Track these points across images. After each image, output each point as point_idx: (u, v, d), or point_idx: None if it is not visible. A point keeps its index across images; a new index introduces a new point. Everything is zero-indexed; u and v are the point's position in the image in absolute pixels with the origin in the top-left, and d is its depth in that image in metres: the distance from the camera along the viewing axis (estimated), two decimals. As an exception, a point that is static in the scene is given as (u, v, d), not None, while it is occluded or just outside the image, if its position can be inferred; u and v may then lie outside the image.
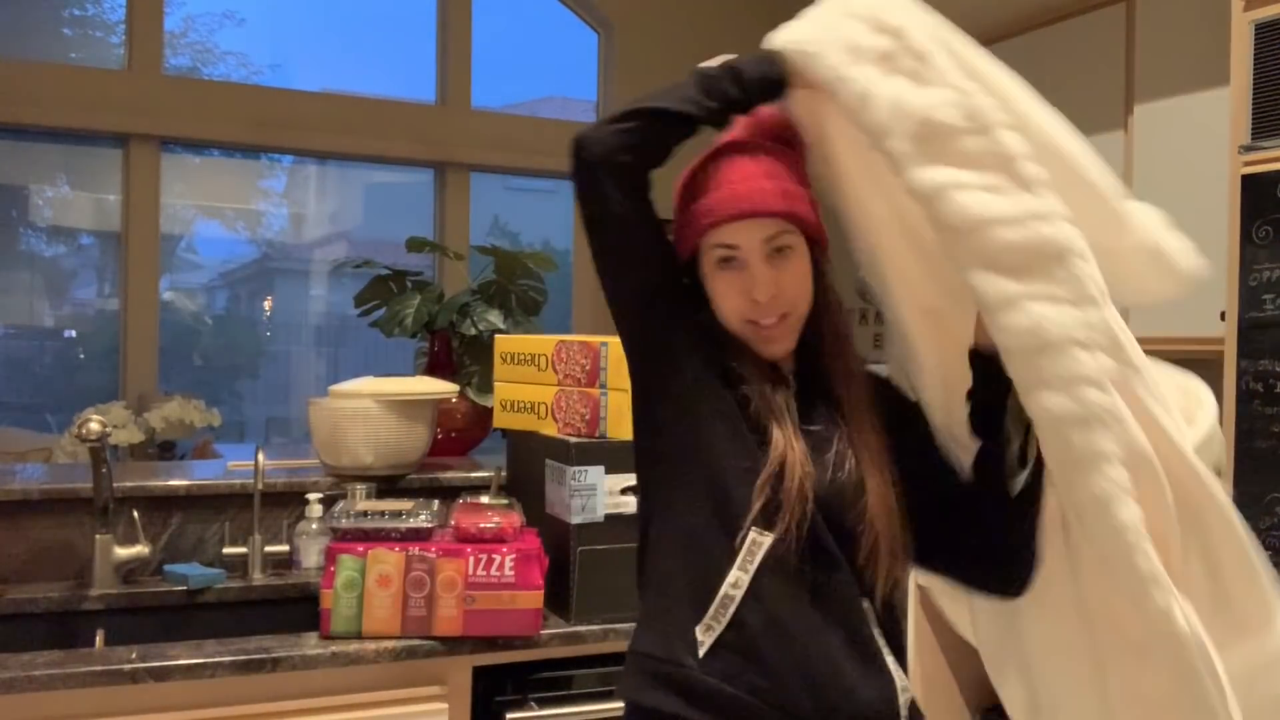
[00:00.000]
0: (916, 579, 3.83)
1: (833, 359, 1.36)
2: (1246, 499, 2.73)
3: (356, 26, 6.22)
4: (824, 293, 1.36)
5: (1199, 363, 3.31)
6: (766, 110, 1.36)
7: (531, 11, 6.41)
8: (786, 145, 1.37)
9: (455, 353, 2.94)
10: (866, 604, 1.28)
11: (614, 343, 2.11)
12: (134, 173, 5.48)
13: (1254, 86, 2.76)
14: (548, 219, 6.46)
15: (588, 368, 2.18)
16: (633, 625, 1.36)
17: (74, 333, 5.83)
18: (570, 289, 6.04)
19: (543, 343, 2.30)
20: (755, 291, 1.28)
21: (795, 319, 1.33)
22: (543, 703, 2.02)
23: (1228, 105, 2.84)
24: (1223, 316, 2.83)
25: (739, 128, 1.36)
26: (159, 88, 5.51)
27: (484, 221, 6.21)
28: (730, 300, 1.31)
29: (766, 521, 1.24)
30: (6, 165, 5.50)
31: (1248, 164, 2.76)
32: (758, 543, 1.24)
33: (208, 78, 5.93)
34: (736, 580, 1.23)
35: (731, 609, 1.23)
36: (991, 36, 3.87)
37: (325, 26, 6.21)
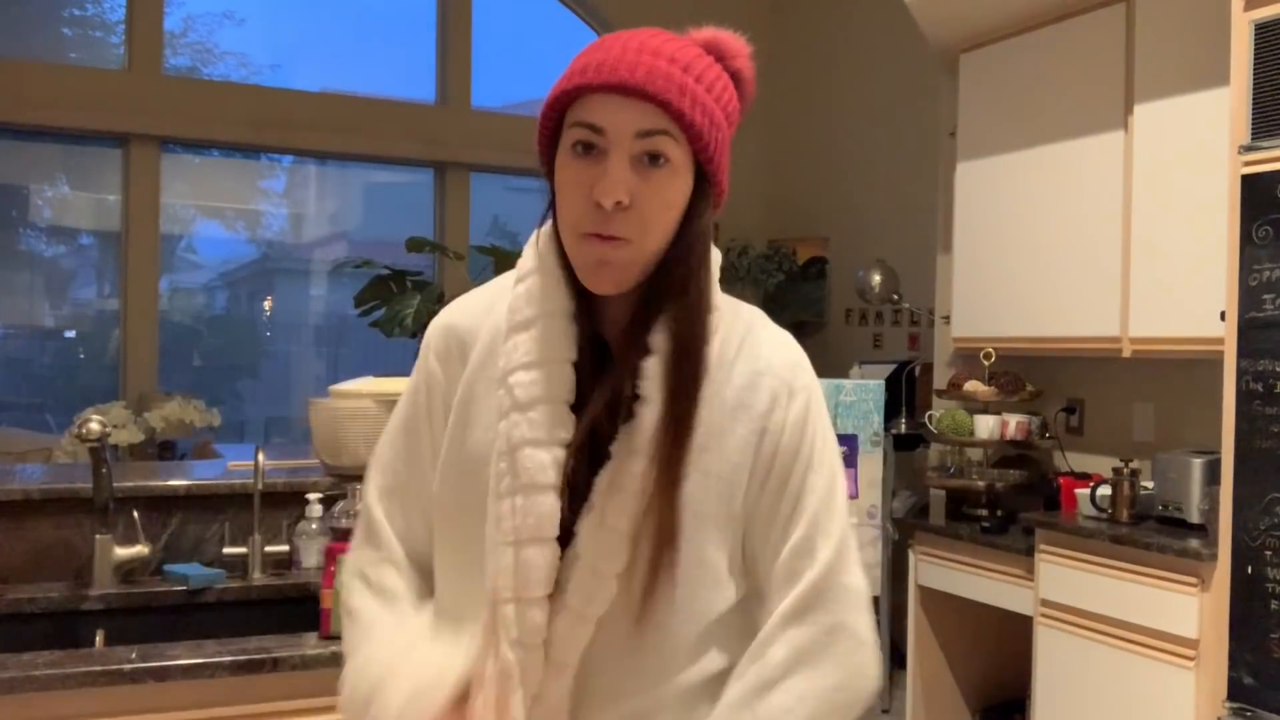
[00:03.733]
0: (918, 579, 3.80)
1: (681, 324, 1.05)
2: (1246, 499, 2.73)
3: (356, 26, 6.22)
4: (690, 239, 1.05)
5: (1199, 363, 3.32)
6: (716, 30, 1.09)
7: (531, 11, 6.41)
8: (732, 75, 1.09)
9: (455, 353, 2.93)
10: None
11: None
12: (134, 173, 5.48)
13: (1254, 86, 2.76)
14: (547, 219, 6.45)
15: (587, 368, 2.17)
16: None
17: (74, 333, 5.83)
18: (570, 289, 6.03)
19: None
20: (601, 190, 0.98)
21: (639, 251, 1.02)
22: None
23: (1228, 105, 2.84)
24: (1223, 316, 2.83)
25: (700, 31, 1.10)
26: (159, 88, 5.51)
27: (484, 221, 6.21)
28: (573, 199, 1.01)
29: None
30: (6, 165, 5.50)
31: (1248, 164, 2.76)
32: None
33: (208, 78, 5.93)
34: None
35: None
36: (992, 36, 3.87)
37: (325, 26, 6.21)
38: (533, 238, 1.13)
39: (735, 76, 1.09)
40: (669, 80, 0.99)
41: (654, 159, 1.00)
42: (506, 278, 1.16)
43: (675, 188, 1.02)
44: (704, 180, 1.05)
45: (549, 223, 1.09)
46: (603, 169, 0.99)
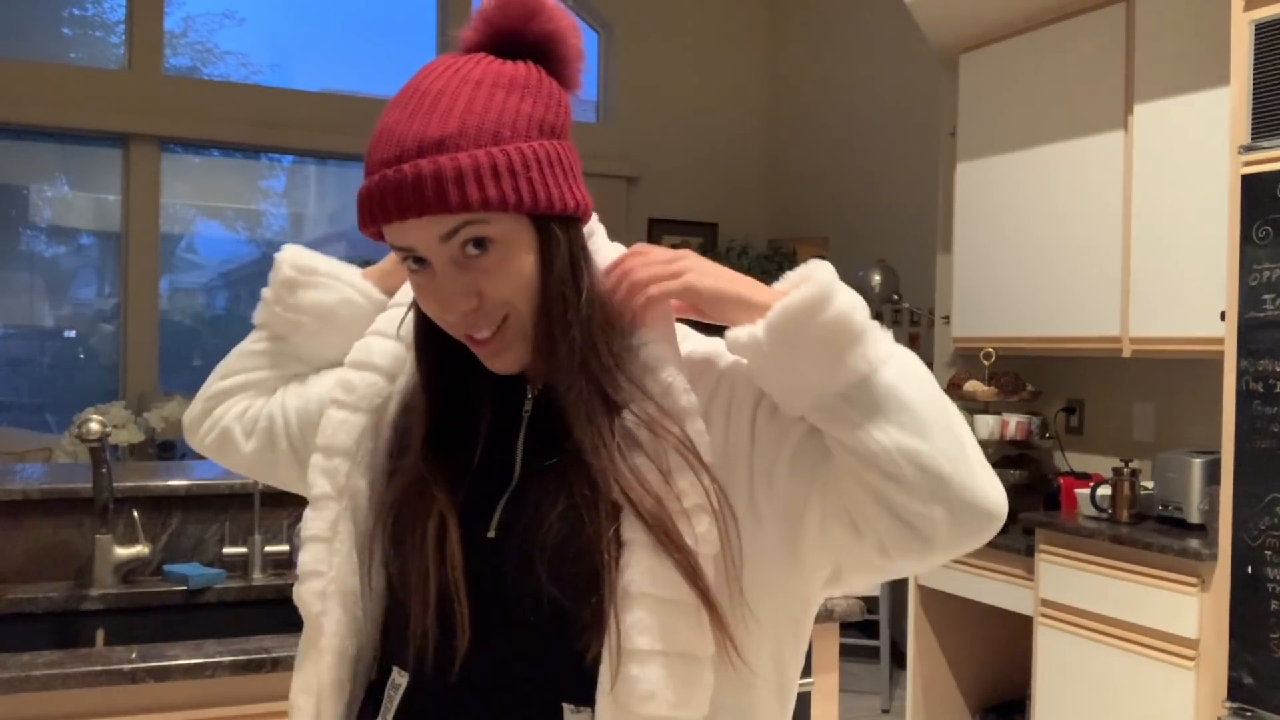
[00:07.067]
0: (918, 579, 3.79)
1: (564, 372, 0.94)
2: (1246, 499, 2.73)
3: (356, 26, 6.22)
4: (552, 283, 0.94)
5: (1199, 363, 3.32)
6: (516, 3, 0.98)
7: (531, 11, 6.40)
8: (533, 53, 0.98)
9: (455, 353, 2.93)
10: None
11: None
12: (134, 173, 5.48)
13: (1254, 86, 2.76)
14: (548, 219, 6.46)
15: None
16: None
17: (74, 333, 5.83)
18: (570, 289, 6.04)
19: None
20: (441, 307, 0.94)
21: (518, 320, 0.95)
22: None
23: (1228, 105, 2.84)
24: (1223, 316, 2.83)
25: (471, 25, 1.02)
26: (159, 88, 5.51)
27: (484, 221, 6.20)
28: (430, 308, 0.96)
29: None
30: (6, 165, 5.50)
31: (1248, 164, 2.76)
32: (396, 684, 1.06)
33: (208, 78, 5.93)
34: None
35: None
36: (992, 36, 3.87)
37: (325, 26, 6.21)
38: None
39: (542, 41, 0.98)
40: (436, 186, 0.88)
41: (477, 244, 0.91)
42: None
43: (514, 256, 0.92)
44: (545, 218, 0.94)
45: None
46: (438, 283, 0.93)
